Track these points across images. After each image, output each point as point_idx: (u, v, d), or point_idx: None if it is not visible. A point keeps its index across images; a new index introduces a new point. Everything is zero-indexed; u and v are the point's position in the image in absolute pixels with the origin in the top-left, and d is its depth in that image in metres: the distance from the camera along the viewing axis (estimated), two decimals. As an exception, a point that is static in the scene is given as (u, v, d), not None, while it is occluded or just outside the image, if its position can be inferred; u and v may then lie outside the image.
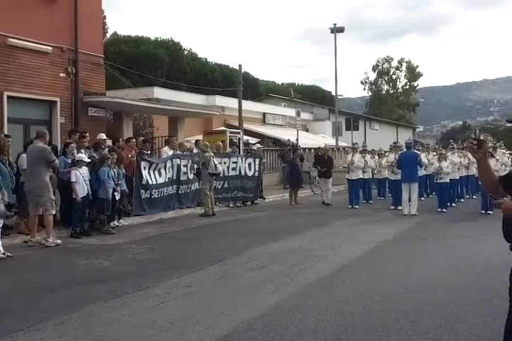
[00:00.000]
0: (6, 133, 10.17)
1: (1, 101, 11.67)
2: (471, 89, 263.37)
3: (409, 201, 12.63)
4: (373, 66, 68.08)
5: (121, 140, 12.35)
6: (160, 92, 22.66)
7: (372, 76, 67.67)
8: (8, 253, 7.59)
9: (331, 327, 4.43)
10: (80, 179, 9.34)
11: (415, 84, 67.76)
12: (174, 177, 12.73)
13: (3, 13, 11.68)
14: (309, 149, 23.92)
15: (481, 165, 2.97)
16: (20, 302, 5.28)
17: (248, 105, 26.54)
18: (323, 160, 15.45)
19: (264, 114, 30.52)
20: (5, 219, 7.83)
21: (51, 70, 12.94)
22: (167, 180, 12.43)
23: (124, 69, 21.40)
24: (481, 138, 2.91)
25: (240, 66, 22.33)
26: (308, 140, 27.27)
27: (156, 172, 12.08)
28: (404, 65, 67.03)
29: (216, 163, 12.83)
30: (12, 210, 7.96)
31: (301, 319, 4.63)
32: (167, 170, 12.43)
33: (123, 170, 10.76)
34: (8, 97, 11.82)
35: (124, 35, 37.91)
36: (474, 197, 16.76)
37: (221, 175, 14.26)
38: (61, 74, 13.17)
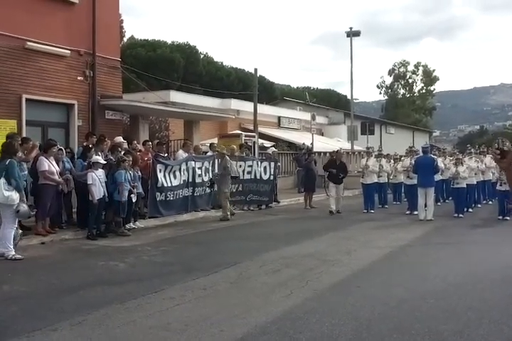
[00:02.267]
0: (24, 136, 10.32)
1: (19, 104, 11.84)
2: (488, 94, 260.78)
3: (425, 206, 12.54)
4: (389, 70, 67.85)
5: (135, 142, 12.43)
6: (176, 96, 22.81)
7: (389, 80, 67.47)
8: (18, 256, 7.54)
9: (346, 332, 4.41)
10: (97, 181, 9.43)
11: (432, 88, 67.37)
12: (190, 180, 12.78)
13: (21, 17, 11.86)
14: (324, 153, 23.85)
15: (508, 174, 2.96)
16: (37, 303, 5.34)
17: (263, 109, 26.58)
18: (335, 164, 14.09)
19: (279, 118, 30.54)
20: (27, 219, 7.95)
21: (69, 73, 13.10)
22: (182, 182, 12.49)
23: (140, 72, 21.58)
24: (505, 147, 2.89)
25: (256, 70, 22.39)
26: (323, 144, 27.22)
27: (172, 175, 12.14)
28: (421, 69, 66.70)
29: (234, 166, 13.00)
30: (32, 210, 8.11)
31: (315, 323, 4.62)
32: (182, 173, 12.48)
33: (139, 172, 10.83)
34: (27, 100, 11.99)
35: (140, 39, 38.26)
36: (490, 202, 16.59)
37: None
38: (78, 78, 13.33)
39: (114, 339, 4.28)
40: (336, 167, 13.96)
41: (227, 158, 12.78)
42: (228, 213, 12.47)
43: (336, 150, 15.57)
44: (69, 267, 7.21)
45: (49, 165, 9.14)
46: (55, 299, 5.49)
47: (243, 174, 14.54)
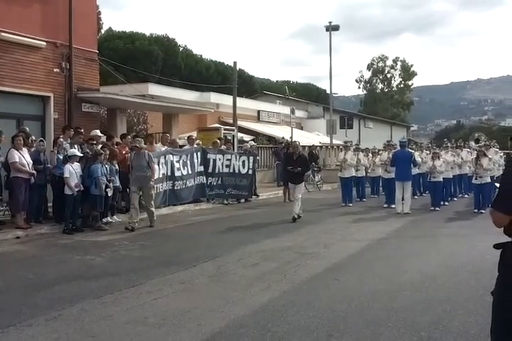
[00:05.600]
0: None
1: (-7, 96, 11.60)
2: (465, 89, 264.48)
3: (403, 199, 12.68)
4: (368, 65, 68.31)
5: (115, 137, 12.29)
6: (154, 89, 22.62)
7: (367, 74, 67.99)
8: None
9: (323, 324, 4.44)
10: (73, 174, 9.31)
11: (410, 83, 68.04)
12: (169, 174, 12.68)
13: (-4, 7, 11.59)
14: (303, 147, 23.92)
15: None
16: (12, 298, 5.26)
17: (243, 102, 26.54)
18: (293, 159, 11.59)
19: (258, 112, 30.54)
20: None
21: (45, 65, 12.86)
22: (161, 175, 12.36)
23: (118, 65, 21.33)
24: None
25: (235, 63, 22.29)
26: (302, 138, 27.28)
27: (150, 169, 12.00)
28: (399, 63, 67.35)
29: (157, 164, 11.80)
30: (2, 205, 7.98)
31: (293, 316, 4.64)
32: (161, 166, 12.35)
33: (116, 166, 10.72)
34: (1, 92, 11.75)
35: (118, 31, 37.81)
36: (466, 196, 16.84)
37: (216, 171, 14.28)
38: (55, 70, 13.10)
39: (91, 334, 4.23)
40: (294, 162, 11.50)
41: (149, 153, 10.79)
42: (155, 217, 10.52)
43: (293, 142, 13.02)
44: (45, 262, 7.12)
45: (20, 156, 9.01)
46: (31, 294, 5.41)
47: (222, 167, 14.50)
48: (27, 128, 10.55)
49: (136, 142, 10.60)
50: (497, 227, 2.82)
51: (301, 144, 13.86)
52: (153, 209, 10.52)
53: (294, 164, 11.44)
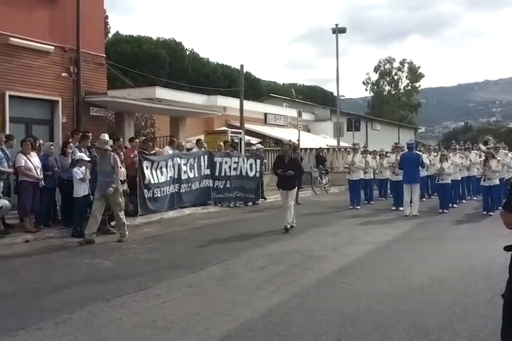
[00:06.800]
0: (7, 133, 10.23)
1: (2, 100, 11.67)
2: (473, 90, 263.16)
3: (411, 202, 12.62)
4: (375, 67, 68.22)
5: (121, 139, 12.33)
6: (161, 92, 22.69)
7: (374, 77, 67.88)
8: None
9: (332, 327, 4.42)
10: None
11: (417, 84, 67.89)
12: (175, 177, 12.72)
13: (4, 11, 11.68)
14: (310, 149, 23.92)
15: None
16: (21, 302, 5.28)
17: (250, 105, 26.54)
18: (284, 163, 10.49)
19: (265, 114, 30.53)
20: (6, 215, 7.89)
21: (53, 70, 12.95)
22: (168, 178, 12.42)
23: (125, 69, 21.42)
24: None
25: (242, 66, 22.33)
26: (309, 140, 27.28)
27: (158, 171, 12.06)
28: (406, 65, 67.19)
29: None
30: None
31: (301, 319, 4.63)
32: (168, 169, 12.42)
33: (123, 169, 10.72)
34: (10, 97, 11.83)
35: (125, 35, 37.99)
36: (475, 198, 16.74)
37: (223, 174, 14.30)
38: (63, 74, 13.18)
39: (99, 337, 4.24)
40: (285, 165, 10.43)
41: (116, 156, 9.42)
42: (126, 231, 9.21)
43: (286, 143, 12.02)
44: (53, 265, 7.15)
45: (26, 161, 9.08)
46: (40, 298, 5.43)
47: (230, 170, 14.52)
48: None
49: (100, 143, 9.23)
50: (508, 229, 2.80)
51: (297, 145, 13.11)
52: (123, 220, 9.22)
53: (284, 167, 10.33)
